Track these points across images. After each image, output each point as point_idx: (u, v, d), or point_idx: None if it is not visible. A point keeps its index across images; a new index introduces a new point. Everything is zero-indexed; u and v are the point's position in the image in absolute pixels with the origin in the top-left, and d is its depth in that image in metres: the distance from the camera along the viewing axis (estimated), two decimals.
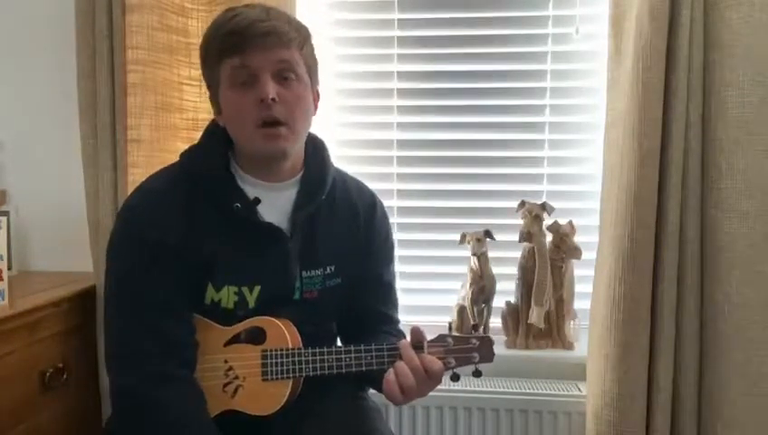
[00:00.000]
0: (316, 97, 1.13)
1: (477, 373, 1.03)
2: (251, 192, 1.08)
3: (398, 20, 1.71)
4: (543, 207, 1.57)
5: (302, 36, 1.06)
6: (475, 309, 1.60)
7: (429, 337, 1.04)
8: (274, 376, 1.05)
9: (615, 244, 1.39)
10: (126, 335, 1.03)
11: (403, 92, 1.72)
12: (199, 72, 1.53)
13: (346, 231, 1.16)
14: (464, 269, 1.64)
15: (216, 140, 1.11)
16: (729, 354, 1.35)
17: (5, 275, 1.30)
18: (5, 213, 1.61)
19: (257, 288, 1.07)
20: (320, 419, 1.09)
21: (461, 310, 1.64)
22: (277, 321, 1.07)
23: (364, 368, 1.03)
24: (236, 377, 1.06)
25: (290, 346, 1.06)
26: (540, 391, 1.53)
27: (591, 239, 1.53)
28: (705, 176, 1.38)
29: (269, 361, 1.05)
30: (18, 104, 1.71)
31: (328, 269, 1.13)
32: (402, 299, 1.29)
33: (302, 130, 1.09)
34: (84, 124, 1.55)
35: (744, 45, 1.32)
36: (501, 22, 1.69)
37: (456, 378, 1.04)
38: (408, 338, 1.05)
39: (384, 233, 1.23)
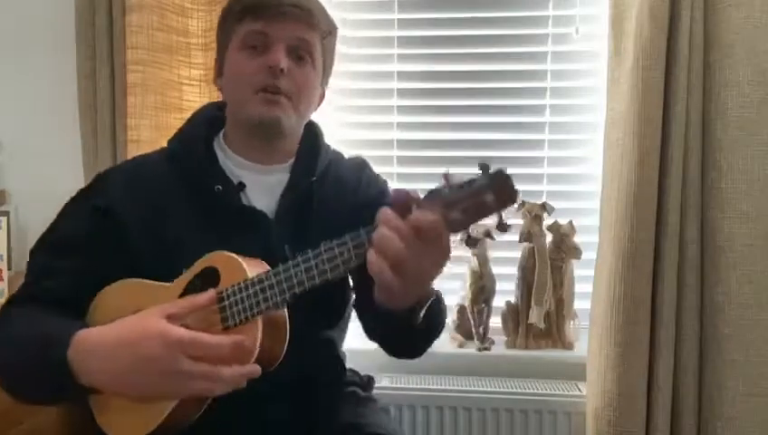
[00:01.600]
0: (321, 96, 1.11)
1: (503, 226, 0.72)
2: (237, 174, 1.02)
3: (398, 20, 1.70)
4: (543, 207, 1.57)
5: (327, 26, 1.04)
6: (475, 309, 1.60)
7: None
8: (236, 319, 0.83)
9: (615, 244, 1.39)
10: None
11: (403, 92, 1.72)
12: (199, 72, 1.55)
13: (340, 208, 1.05)
14: (464, 269, 1.64)
15: (200, 121, 1.08)
16: (729, 354, 1.35)
17: (5, 275, 1.30)
18: (5, 213, 1.62)
19: None
20: (326, 421, 1.05)
21: (461, 310, 1.64)
22: (230, 253, 0.88)
23: (341, 267, 0.78)
24: None
25: (248, 277, 0.84)
26: (540, 391, 1.53)
27: (591, 239, 1.53)
28: (705, 176, 1.38)
29: (227, 302, 0.84)
30: (18, 104, 1.70)
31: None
32: None
33: (303, 112, 1.05)
34: (84, 124, 1.55)
35: (744, 45, 1.32)
36: (501, 22, 1.68)
37: (472, 242, 0.74)
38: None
39: (378, 188, 1.13)
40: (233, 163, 1.04)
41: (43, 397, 0.89)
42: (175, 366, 0.77)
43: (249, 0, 0.99)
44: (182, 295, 0.89)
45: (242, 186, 1.01)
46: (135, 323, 0.81)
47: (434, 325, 0.96)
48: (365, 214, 0.93)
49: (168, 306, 0.82)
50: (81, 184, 1.55)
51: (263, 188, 1.03)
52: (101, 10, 1.50)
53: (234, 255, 0.87)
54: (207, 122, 1.07)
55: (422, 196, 0.75)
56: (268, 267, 0.86)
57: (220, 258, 0.88)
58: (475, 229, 0.74)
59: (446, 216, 0.72)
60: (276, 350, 0.86)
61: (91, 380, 0.82)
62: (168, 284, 0.92)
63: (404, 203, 0.74)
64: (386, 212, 0.74)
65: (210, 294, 0.84)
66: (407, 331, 0.89)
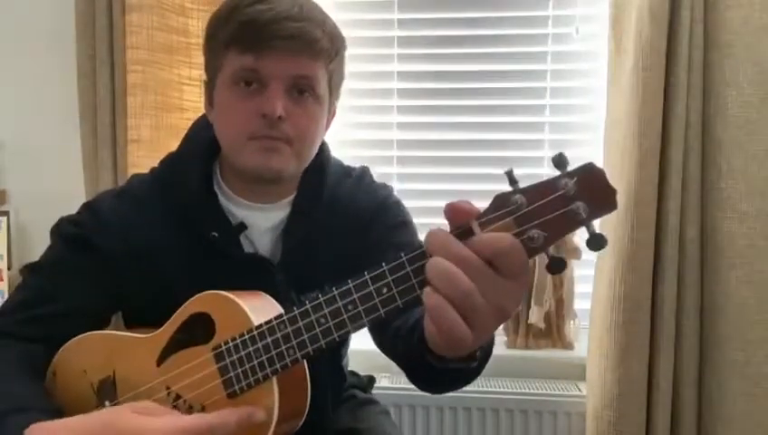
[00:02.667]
0: (332, 116, 0.95)
1: (596, 241, 0.52)
2: (237, 214, 0.90)
3: (398, 20, 1.70)
4: None
5: (334, 47, 0.87)
6: None
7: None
8: (243, 383, 0.66)
9: (615, 244, 1.39)
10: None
11: (403, 92, 1.72)
12: (200, 72, 1.55)
13: (346, 242, 0.93)
14: None
15: (197, 150, 0.93)
16: (729, 354, 1.35)
17: (5, 275, 1.30)
18: (5, 213, 1.62)
19: None
20: (325, 425, 1.00)
21: None
22: (225, 293, 0.70)
23: (382, 311, 0.59)
24: (190, 408, 0.69)
25: (254, 325, 0.66)
26: (540, 391, 1.53)
27: None
28: (705, 176, 1.38)
29: (228, 361, 0.67)
30: (18, 104, 1.70)
31: (326, 289, 0.90)
32: None
33: (307, 157, 0.89)
34: (84, 124, 1.55)
35: (744, 45, 1.32)
36: (501, 22, 1.68)
37: (559, 266, 0.54)
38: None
39: (395, 220, 0.98)
40: (232, 203, 0.91)
41: None
42: None
43: (237, 27, 0.82)
44: (165, 350, 0.72)
45: (242, 227, 0.89)
46: (107, 418, 0.62)
47: (483, 364, 0.73)
48: (393, 238, 0.86)
49: (149, 405, 0.64)
50: (81, 184, 1.55)
51: (265, 227, 0.91)
52: (101, 10, 1.50)
53: (230, 295, 0.70)
54: (204, 152, 0.93)
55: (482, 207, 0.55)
56: (276, 306, 0.71)
57: (213, 301, 0.70)
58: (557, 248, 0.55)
59: (521, 236, 0.52)
60: (298, 408, 0.69)
61: None
62: (146, 335, 0.75)
63: (463, 219, 0.54)
64: (439, 235, 0.54)
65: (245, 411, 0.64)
66: (451, 372, 0.67)
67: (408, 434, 1.54)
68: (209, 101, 0.90)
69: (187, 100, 1.53)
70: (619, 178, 1.39)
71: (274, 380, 0.65)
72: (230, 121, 0.85)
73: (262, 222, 0.91)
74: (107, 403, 0.76)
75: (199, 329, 0.69)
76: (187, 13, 1.52)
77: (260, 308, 0.69)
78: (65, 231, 0.91)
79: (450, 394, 1.49)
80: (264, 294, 0.74)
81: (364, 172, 1.02)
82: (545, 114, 1.69)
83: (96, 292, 0.87)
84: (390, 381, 1.56)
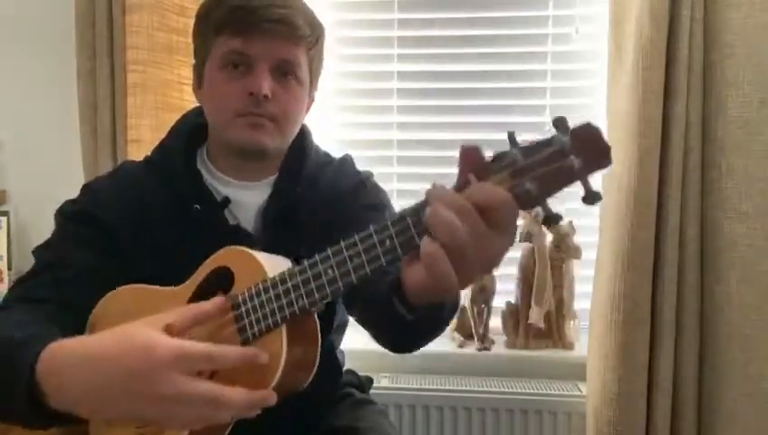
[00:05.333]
0: (311, 100, 1.03)
1: (591, 196, 0.55)
2: (222, 191, 0.97)
3: (398, 20, 1.71)
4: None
5: (314, 35, 0.95)
6: (474, 309, 1.60)
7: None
8: (256, 331, 0.69)
9: (615, 244, 1.39)
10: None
11: (403, 92, 1.72)
12: None
13: (336, 216, 0.96)
14: None
15: (181, 134, 1.01)
16: (729, 354, 1.35)
17: (5, 275, 1.30)
18: (5, 213, 1.62)
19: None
20: (322, 424, 1.02)
21: (461, 310, 1.64)
22: (245, 248, 0.75)
23: (384, 261, 0.62)
24: None
25: (268, 276, 0.70)
26: (540, 391, 1.53)
27: (591, 239, 1.53)
28: (705, 176, 1.38)
29: (243, 308, 0.71)
30: (18, 104, 1.71)
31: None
32: None
33: (289, 134, 0.98)
34: (84, 124, 1.55)
35: (744, 45, 1.32)
36: (501, 22, 1.68)
37: (552, 220, 0.57)
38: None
39: (375, 201, 1.02)
40: (218, 181, 0.98)
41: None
42: (161, 386, 0.61)
43: (227, 12, 0.90)
44: (190, 301, 0.77)
45: (226, 201, 0.95)
46: (121, 333, 0.66)
47: (450, 316, 0.79)
48: (369, 217, 0.87)
49: (165, 316, 0.67)
50: (81, 184, 1.55)
51: (249, 203, 0.97)
52: (101, 10, 1.50)
53: (248, 250, 0.75)
54: (188, 135, 1.01)
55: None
56: (289, 263, 0.74)
57: (233, 256, 0.75)
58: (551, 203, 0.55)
59: (515, 187, 0.55)
60: (307, 360, 0.72)
61: (60, 399, 0.65)
62: (174, 288, 0.81)
63: (471, 164, 0.57)
64: (438, 187, 0.59)
65: (218, 300, 0.70)
66: (422, 323, 0.73)
67: (407, 434, 1.54)
68: (198, 83, 0.98)
69: (187, 100, 1.53)
70: (618, 178, 1.39)
71: (284, 327, 0.68)
72: (219, 100, 0.93)
73: (246, 199, 0.97)
74: None
75: (220, 281, 0.74)
76: (186, 13, 1.52)
77: (276, 264, 0.72)
78: (67, 210, 0.97)
79: (450, 394, 1.51)
80: (282, 257, 0.77)
81: (345, 158, 1.08)
82: (545, 114, 1.69)
83: (103, 256, 0.92)
84: (390, 381, 1.56)
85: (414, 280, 0.61)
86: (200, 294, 0.76)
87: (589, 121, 0.55)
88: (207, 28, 0.93)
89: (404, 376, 1.58)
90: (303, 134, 1.04)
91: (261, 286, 0.70)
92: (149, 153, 1.05)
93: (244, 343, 0.70)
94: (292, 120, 0.96)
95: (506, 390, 1.54)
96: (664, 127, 1.37)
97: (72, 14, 1.53)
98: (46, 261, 0.92)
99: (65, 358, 0.65)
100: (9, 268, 1.40)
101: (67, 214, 0.96)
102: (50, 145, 1.69)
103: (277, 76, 0.92)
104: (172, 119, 1.49)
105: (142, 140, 1.48)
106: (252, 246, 0.83)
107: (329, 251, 0.65)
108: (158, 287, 0.84)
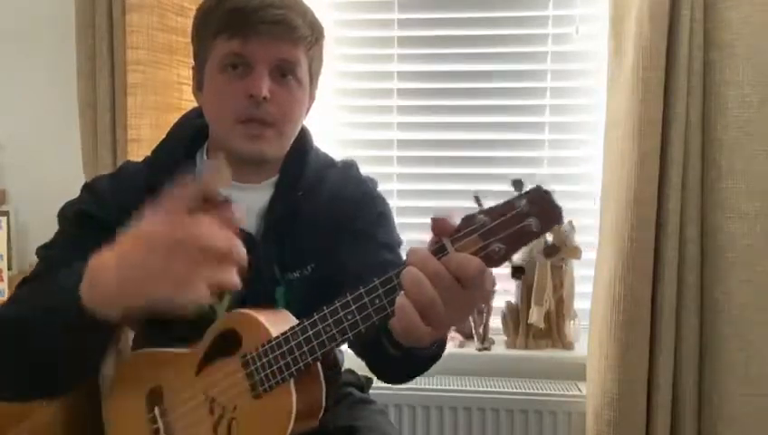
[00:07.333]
0: (311, 101, 1.02)
1: (550, 250, 0.73)
2: (222, 192, 0.95)
3: (398, 20, 1.71)
4: None
5: (313, 35, 0.95)
6: (474, 309, 1.60)
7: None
8: (267, 385, 0.78)
9: (615, 244, 1.39)
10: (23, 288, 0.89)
11: (403, 92, 1.72)
12: None
13: (335, 223, 0.98)
14: None
15: (181, 135, 1.01)
16: (729, 354, 1.35)
17: (5, 275, 1.30)
18: (5, 213, 1.62)
19: (228, 297, 0.92)
20: (321, 423, 1.03)
21: None
22: (248, 311, 0.82)
23: (375, 319, 0.70)
24: (224, 409, 0.80)
25: (272, 336, 0.78)
26: (540, 391, 1.53)
27: (591, 239, 1.53)
28: (705, 176, 1.38)
29: (253, 367, 0.78)
30: (18, 104, 1.70)
31: (308, 268, 0.98)
32: None
33: (290, 136, 0.98)
34: (84, 124, 1.55)
35: (744, 45, 1.32)
36: (501, 22, 1.68)
37: (519, 272, 0.65)
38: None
39: (371, 214, 1.02)
40: None
41: (45, 353, 0.75)
42: (156, 259, 0.65)
43: (225, 14, 0.89)
44: (201, 362, 0.84)
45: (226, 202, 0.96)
46: (129, 234, 0.71)
47: (438, 352, 0.84)
48: (372, 231, 0.97)
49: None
50: (81, 184, 1.55)
51: (250, 205, 0.96)
52: (101, 10, 1.50)
53: (251, 312, 0.81)
54: (189, 137, 1.01)
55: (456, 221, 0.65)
56: (290, 317, 0.82)
57: (238, 319, 0.82)
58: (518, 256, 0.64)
59: (485, 250, 0.63)
60: (315, 405, 0.80)
61: (104, 296, 0.69)
62: (185, 350, 0.86)
63: (437, 240, 0.65)
64: (419, 253, 0.64)
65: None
66: (408, 360, 0.79)
67: (407, 434, 1.54)
68: (198, 86, 0.98)
69: (187, 100, 1.53)
70: (618, 178, 1.39)
71: (291, 381, 0.76)
72: (219, 103, 0.93)
73: (246, 201, 0.95)
74: (156, 409, 0.87)
75: (228, 342, 0.81)
76: (186, 13, 1.52)
77: (277, 320, 0.80)
78: (68, 211, 0.97)
79: (450, 394, 1.52)
80: (282, 311, 0.85)
81: (351, 163, 1.08)
82: (545, 114, 1.69)
83: None
84: None
85: (394, 325, 0.66)
86: (210, 356, 0.83)
87: (539, 185, 0.63)
88: (206, 30, 0.93)
89: None
90: (303, 136, 1.03)
91: (267, 346, 0.78)
92: (150, 154, 1.05)
93: (256, 397, 0.78)
94: (292, 121, 0.96)
95: (506, 390, 1.54)
96: (664, 127, 1.37)
97: (72, 15, 1.53)
98: (49, 262, 0.92)
99: (105, 259, 0.70)
100: (9, 268, 1.40)
101: (68, 215, 0.96)
102: (50, 145, 1.69)
103: (277, 77, 0.92)
104: (172, 119, 1.48)
105: (142, 140, 1.48)
106: (253, 248, 0.85)
107: (326, 311, 0.73)
108: (173, 350, 0.87)
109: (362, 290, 0.70)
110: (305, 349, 0.75)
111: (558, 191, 0.62)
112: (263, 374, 0.78)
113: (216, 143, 0.98)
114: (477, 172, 1.71)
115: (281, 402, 0.76)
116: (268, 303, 0.92)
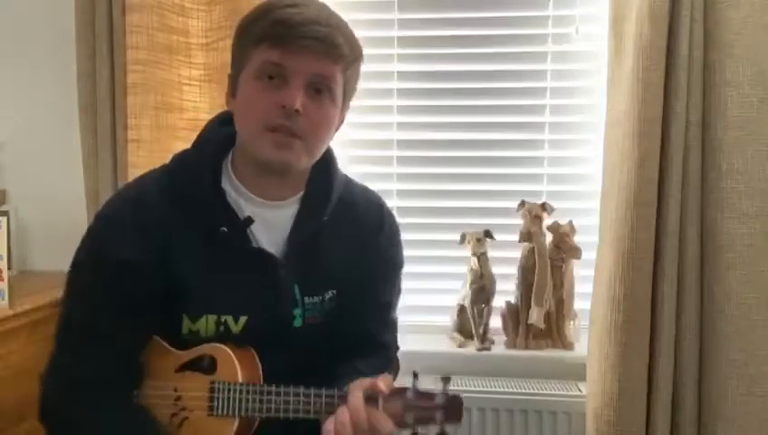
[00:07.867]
0: (341, 122, 1.03)
1: None
2: (245, 208, 0.98)
3: (398, 20, 1.71)
4: (543, 207, 1.57)
5: (353, 56, 0.97)
6: (474, 309, 1.60)
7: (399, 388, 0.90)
8: (220, 412, 0.94)
9: (615, 244, 1.39)
10: (63, 360, 0.96)
11: (403, 92, 1.72)
12: (199, 72, 1.55)
13: (350, 253, 1.04)
14: (464, 269, 1.64)
15: (209, 149, 0.99)
16: (729, 354, 1.35)
17: (5, 275, 1.30)
18: (5, 213, 1.61)
19: (243, 318, 0.97)
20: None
21: (461, 310, 1.64)
22: (230, 351, 0.96)
23: (311, 414, 0.91)
24: (184, 408, 0.97)
25: (239, 380, 0.95)
26: (540, 391, 1.53)
27: (591, 239, 1.53)
28: (705, 176, 1.38)
29: (216, 395, 0.95)
30: (18, 104, 1.71)
31: (329, 294, 1.03)
32: (402, 299, 1.29)
33: (316, 153, 0.98)
34: (84, 124, 1.55)
35: (744, 45, 1.32)
36: (501, 22, 1.68)
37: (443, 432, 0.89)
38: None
39: (387, 253, 1.11)
40: (242, 198, 0.98)
41: None
42: None
43: (269, 25, 0.90)
44: (183, 366, 0.98)
45: (249, 221, 0.96)
46: None
47: None
48: (367, 270, 1.05)
49: None
50: (81, 184, 1.55)
51: (272, 223, 0.99)
52: (101, 10, 1.50)
53: (232, 355, 0.96)
54: (216, 149, 1.00)
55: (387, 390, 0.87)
56: (259, 370, 0.98)
57: (220, 353, 0.97)
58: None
59: (400, 415, 0.86)
60: None
61: None
62: (176, 350, 0.99)
63: (374, 393, 0.86)
64: (355, 400, 0.84)
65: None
66: None
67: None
68: (232, 92, 0.98)
69: (187, 100, 1.53)
70: (618, 178, 1.39)
71: (236, 420, 0.95)
72: (251, 110, 0.93)
73: (270, 219, 0.99)
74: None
75: (207, 363, 0.97)
76: (186, 13, 1.52)
77: (249, 368, 0.97)
78: (92, 259, 0.96)
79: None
80: (255, 361, 0.99)
81: (371, 199, 1.13)
82: (545, 114, 1.69)
83: (133, 309, 0.94)
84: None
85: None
86: (191, 365, 0.98)
87: (457, 394, 0.88)
88: (247, 39, 0.94)
89: (404, 376, 1.58)
90: (329, 155, 1.05)
91: (231, 386, 0.95)
92: (170, 163, 1.02)
93: (209, 414, 0.95)
94: (320, 137, 0.96)
95: (506, 390, 1.54)
96: (664, 127, 1.37)
97: (71, 15, 1.53)
98: (90, 334, 0.94)
99: None
100: (9, 268, 1.39)
101: (95, 265, 0.95)
102: (50, 145, 1.69)
103: (311, 93, 0.92)
104: (172, 119, 1.49)
105: (142, 140, 1.48)
106: (276, 270, 0.98)
107: (281, 389, 0.93)
108: (166, 345, 1.00)
109: (312, 391, 0.91)
110: (256, 405, 0.94)
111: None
112: (221, 402, 0.94)
113: (243, 151, 0.98)
114: (477, 172, 1.71)
115: (222, 428, 0.95)
116: (284, 320, 1.00)
